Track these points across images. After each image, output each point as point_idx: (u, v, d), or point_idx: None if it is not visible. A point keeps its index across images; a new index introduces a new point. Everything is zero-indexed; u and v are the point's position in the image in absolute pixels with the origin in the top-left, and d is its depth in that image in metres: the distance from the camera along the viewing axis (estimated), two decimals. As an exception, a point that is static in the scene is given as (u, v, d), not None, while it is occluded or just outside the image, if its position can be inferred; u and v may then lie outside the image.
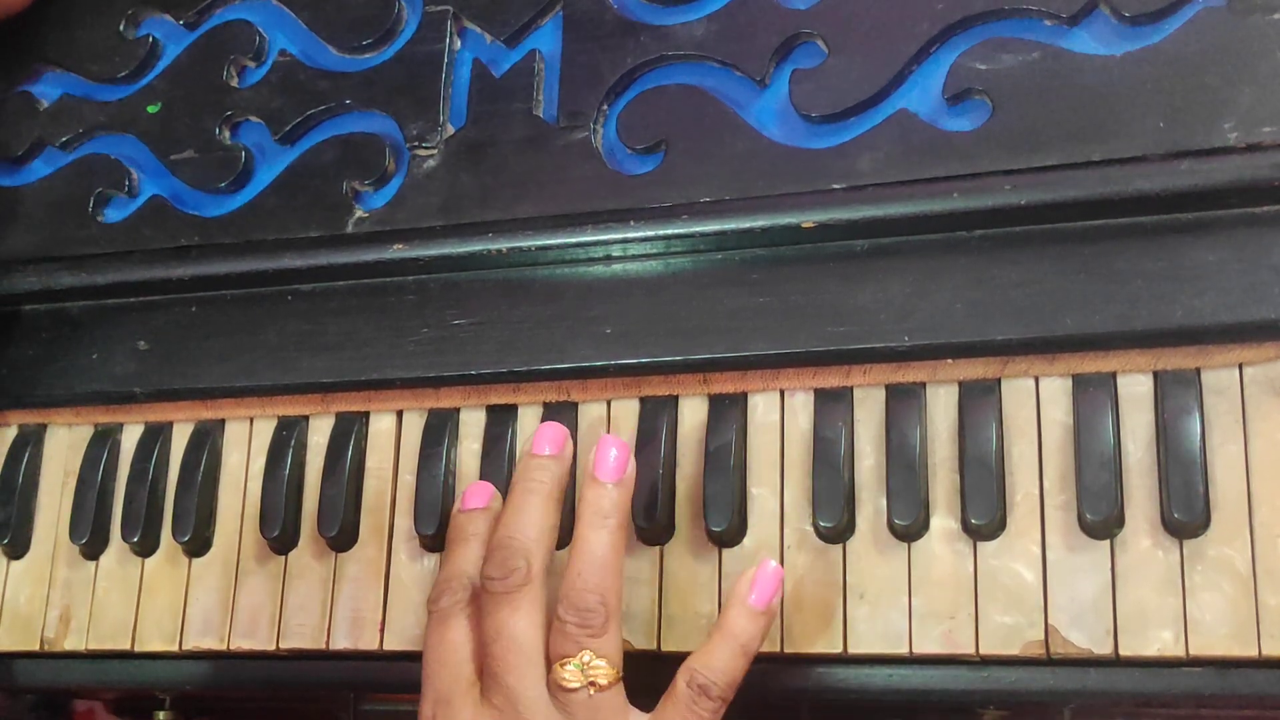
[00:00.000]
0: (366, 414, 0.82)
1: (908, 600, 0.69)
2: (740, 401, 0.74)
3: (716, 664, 0.66)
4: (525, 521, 0.69)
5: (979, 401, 0.70)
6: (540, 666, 0.67)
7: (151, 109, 0.88)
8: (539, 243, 0.76)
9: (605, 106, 0.79)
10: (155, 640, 0.82)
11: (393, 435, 0.81)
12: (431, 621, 0.71)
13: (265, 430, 0.83)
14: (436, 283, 0.79)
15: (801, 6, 0.76)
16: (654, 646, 0.72)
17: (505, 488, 0.77)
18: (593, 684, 0.65)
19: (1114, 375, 0.69)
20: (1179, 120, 0.67)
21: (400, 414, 0.81)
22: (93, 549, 0.85)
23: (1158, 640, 0.65)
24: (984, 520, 0.68)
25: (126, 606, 0.83)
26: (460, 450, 0.79)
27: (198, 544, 0.82)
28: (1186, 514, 0.65)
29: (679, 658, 0.70)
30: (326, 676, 0.79)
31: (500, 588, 0.67)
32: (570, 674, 0.65)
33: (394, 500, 0.80)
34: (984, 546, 0.69)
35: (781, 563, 0.71)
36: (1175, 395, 0.67)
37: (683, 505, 0.74)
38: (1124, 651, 0.65)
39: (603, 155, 0.78)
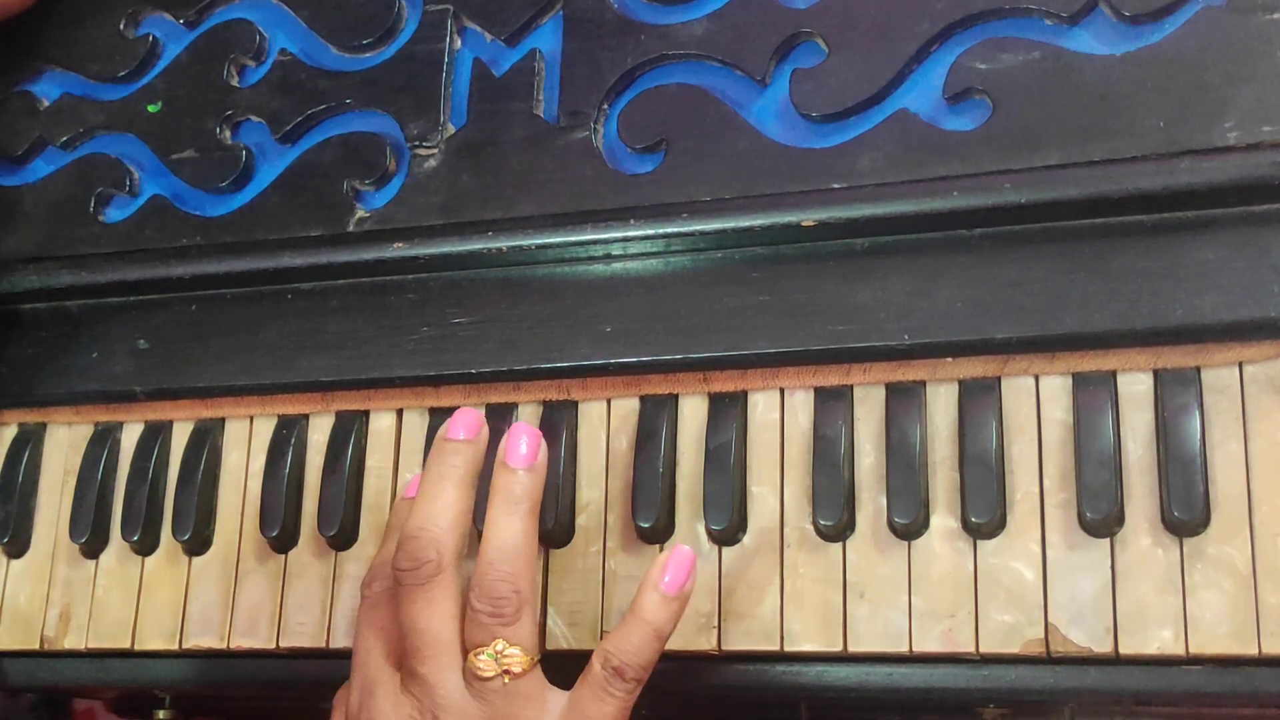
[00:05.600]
0: (366, 413, 0.82)
1: (908, 599, 0.69)
2: (740, 400, 0.74)
3: (629, 647, 0.66)
4: (436, 509, 0.69)
5: (979, 400, 0.70)
6: (456, 655, 0.67)
7: (152, 108, 0.88)
8: (539, 241, 0.76)
9: (606, 106, 0.79)
10: (155, 639, 0.82)
11: (393, 434, 0.81)
12: (363, 606, 0.71)
13: (265, 429, 0.83)
14: (437, 281, 0.79)
15: (801, 6, 0.76)
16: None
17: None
18: (507, 672, 0.66)
19: (1114, 374, 0.69)
20: (1179, 119, 0.67)
21: (400, 413, 0.81)
22: (93, 548, 0.85)
23: (1158, 638, 0.65)
24: (984, 519, 0.68)
25: (126, 605, 0.83)
26: (460, 449, 0.79)
27: (198, 543, 0.82)
28: (1186, 512, 0.65)
29: (679, 656, 0.70)
30: (326, 675, 0.79)
31: (411, 580, 0.68)
32: (484, 663, 0.66)
33: (394, 499, 0.80)
34: (984, 545, 0.69)
35: (781, 561, 0.71)
36: (1175, 394, 0.67)
37: (683, 504, 0.74)
38: (1124, 650, 0.65)
39: (603, 154, 0.78)
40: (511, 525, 0.68)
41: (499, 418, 0.78)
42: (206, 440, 0.84)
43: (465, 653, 0.67)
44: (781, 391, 0.74)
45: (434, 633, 0.67)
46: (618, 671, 0.66)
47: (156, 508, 0.84)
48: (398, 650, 0.69)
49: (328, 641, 0.78)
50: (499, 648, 0.66)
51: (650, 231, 0.74)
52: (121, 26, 0.91)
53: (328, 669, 0.79)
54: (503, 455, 0.70)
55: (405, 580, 0.68)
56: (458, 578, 0.69)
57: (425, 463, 0.72)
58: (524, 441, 0.70)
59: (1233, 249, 0.66)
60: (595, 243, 0.75)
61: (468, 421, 0.71)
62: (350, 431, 0.81)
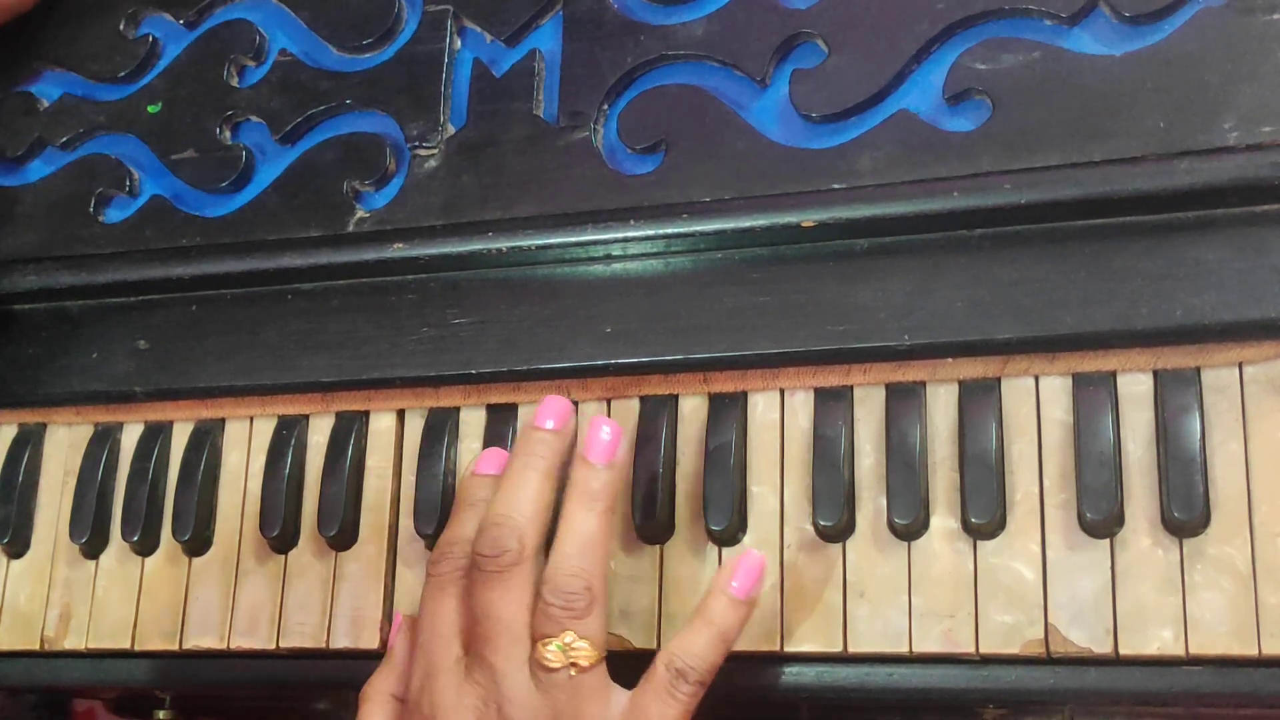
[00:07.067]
0: (367, 413, 0.82)
1: (908, 599, 0.69)
2: (740, 400, 0.74)
3: (695, 650, 0.66)
4: (522, 498, 0.69)
5: (979, 400, 0.70)
6: (525, 645, 0.67)
7: (152, 109, 0.88)
8: (539, 242, 0.76)
9: (605, 106, 0.79)
10: (155, 639, 0.82)
11: (393, 434, 0.81)
12: (429, 585, 0.71)
13: (265, 429, 0.83)
14: (437, 282, 0.79)
15: (802, 6, 0.76)
16: (654, 645, 0.72)
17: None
18: (574, 664, 0.66)
19: (1114, 374, 0.69)
20: (1179, 120, 0.67)
21: (401, 413, 0.81)
22: (93, 548, 0.85)
23: (1158, 639, 0.65)
24: (984, 519, 0.68)
25: (126, 605, 0.83)
26: (461, 449, 0.79)
27: (198, 543, 0.82)
28: (1186, 512, 0.65)
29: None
30: (326, 676, 0.79)
31: (491, 566, 0.68)
32: (552, 654, 0.66)
33: (394, 499, 0.80)
34: (984, 545, 0.69)
35: (781, 561, 0.71)
36: (1175, 394, 0.67)
37: (683, 504, 0.74)
38: (1124, 650, 0.65)
39: (603, 155, 0.78)
40: (588, 521, 0.68)
41: (500, 418, 0.79)
42: (206, 440, 0.84)
43: (533, 642, 0.67)
44: (781, 392, 0.74)
45: (507, 621, 0.67)
46: (681, 674, 0.66)
47: (156, 508, 0.84)
48: (464, 634, 0.69)
49: (328, 642, 0.78)
50: (568, 640, 0.66)
51: (650, 232, 0.74)
52: (121, 27, 0.91)
53: (328, 669, 0.79)
54: (583, 450, 0.70)
55: (485, 566, 0.68)
56: (536, 567, 0.69)
57: (512, 447, 0.72)
58: (605, 435, 0.70)
59: (1233, 249, 0.66)
60: (595, 243, 0.75)
61: (557, 411, 0.72)
62: (350, 432, 0.81)
